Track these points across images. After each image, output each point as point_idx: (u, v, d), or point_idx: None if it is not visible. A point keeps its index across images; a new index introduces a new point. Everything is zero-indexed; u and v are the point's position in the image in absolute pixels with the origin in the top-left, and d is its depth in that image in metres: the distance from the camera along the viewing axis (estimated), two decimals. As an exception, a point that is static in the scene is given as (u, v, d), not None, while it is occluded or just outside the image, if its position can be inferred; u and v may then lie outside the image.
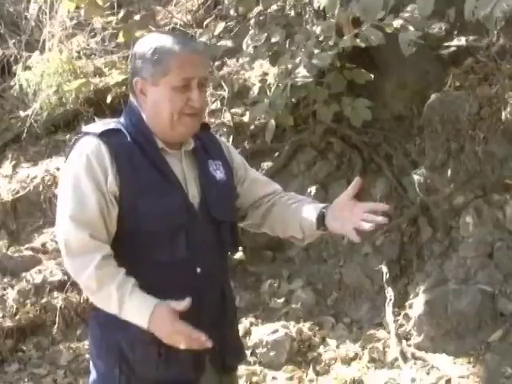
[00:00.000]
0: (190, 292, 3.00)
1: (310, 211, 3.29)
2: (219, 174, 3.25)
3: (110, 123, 3.14)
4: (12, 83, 7.65)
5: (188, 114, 3.09)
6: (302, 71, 6.01)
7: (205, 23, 7.06)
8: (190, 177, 3.17)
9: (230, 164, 3.38)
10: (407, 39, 5.69)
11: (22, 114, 7.46)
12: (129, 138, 3.08)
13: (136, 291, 2.97)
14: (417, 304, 6.02)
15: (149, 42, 3.11)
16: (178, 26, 7.27)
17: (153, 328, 2.96)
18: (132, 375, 3.11)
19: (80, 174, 2.99)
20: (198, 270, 3.08)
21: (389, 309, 6.11)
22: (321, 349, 6.10)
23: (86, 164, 2.98)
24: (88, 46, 7.51)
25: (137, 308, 2.97)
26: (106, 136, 3.03)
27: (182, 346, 2.97)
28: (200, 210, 3.15)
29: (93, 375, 3.22)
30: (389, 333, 6.03)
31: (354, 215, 3.10)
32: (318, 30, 6.00)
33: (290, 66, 6.12)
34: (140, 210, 3.01)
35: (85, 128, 3.16)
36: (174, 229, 3.04)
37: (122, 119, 3.18)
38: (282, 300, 6.51)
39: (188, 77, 3.06)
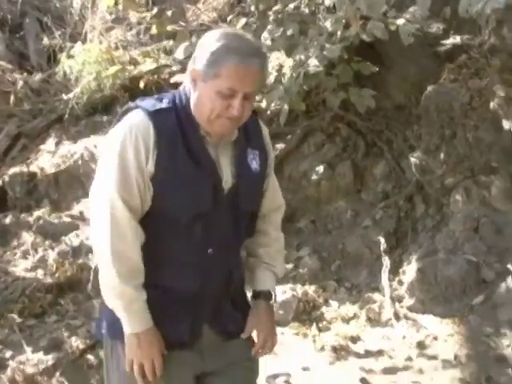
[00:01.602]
0: (199, 268, 2.94)
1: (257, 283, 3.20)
2: (254, 165, 3.04)
3: (163, 100, 2.92)
4: (57, 70, 7.64)
5: (226, 117, 2.85)
6: (313, 62, 6.06)
7: (228, 18, 7.09)
8: (225, 165, 2.96)
9: (267, 157, 3.14)
10: (407, 31, 5.81)
11: (64, 97, 7.47)
12: (176, 120, 2.89)
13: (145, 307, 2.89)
14: (409, 271, 6.16)
15: (214, 39, 2.82)
16: (206, 22, 7.34)
17: (135, 338, 2.88)
18: None
19: (127, 146, 2.81)
20: (210, 250, 2.94)
21: (385, 275, 6.23)
22: (323, 309, 6.18)
23: (134, 140, 2.81)
24: (124, 38, 7.53)
25: (140, 313, 2.89)
26: (156, 116, 2.85)
27: (135, 370, 2.91)
28: (227, 198, 2.97)
29: (100, 319, 3.11)
30: (384, 296, 6.13)
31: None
32: (328, 24, 6.07)
33: (303, 57, 6.17)
34: (169, 196, 2.86)
35: (139, 101, 2.94)
36: (197, 216, 2.89)
37: (175, 96, 2.94)
38: (290, 265, 6.55)
39: (234, 89, 2.80)
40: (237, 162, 2.99)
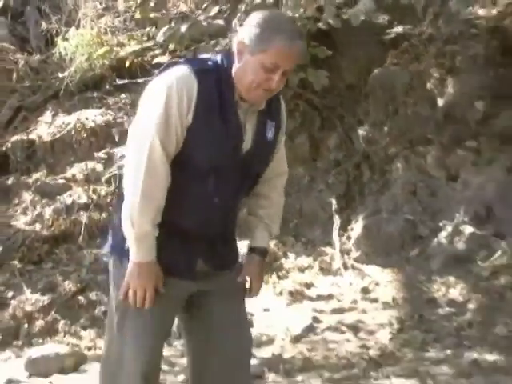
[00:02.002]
0: (203, 213, 2.93)
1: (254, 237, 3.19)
2: (270, 135, 2.98)
3: (208, 62, 2.89)
4: (53, 52, 7.58)
5: (264, 88, 2.82)
6: None
7: (203, 6, 7.03)
8: (249, 130, 2.93)
9: (281, 130, 3.07)
10: (356, 16, 5.81)
11: (60, 75, 7.41)
12: (217, 81, 2.85)
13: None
14: (356, 228, 6.20)
15: (265, 19, 2.84)
16: (184, 11, 7.21)
17: (137, 267, 2.86)
18: None
19: (172, 96, 2.78)
20: (216, 200, 2.91)
21: (335, 232, 6.23)
22: (283, 260, 6.21)
23: (180, 91, 2.78)
24: (113, 24, 7.43)
25: (148, 247, 2.86)
26: (201, 74, 2.81)
27: (129, 295, 2.89)
28: (243, 159, 2.94)
29: (108, 242, 3.06)
30: (334, 249, 6.15)
31: None
32: (289, 11, 5.94)
33: None
34: (197, 146, 2.84)
35: (189, 59, 2.98)
36: (214, 168, 2.87)
37: (219, 59, 2.90)
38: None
39: (278, 65, 2.78)
40: (258, 130, 2.95)
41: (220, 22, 6.79)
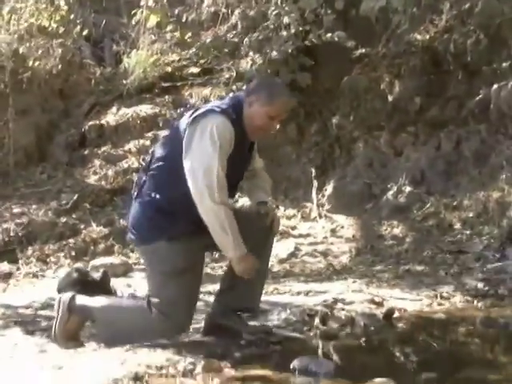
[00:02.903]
0: None
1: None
2: (251, 153, 3.12)
3: (230, 109, 2.91)
4: (120, 66, 7.63)
5: (265, 130, 2.97)
6: (274, 54, 6.09)
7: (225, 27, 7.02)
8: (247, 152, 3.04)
9: (255, 144, 3.14)
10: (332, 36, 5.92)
11: (124, 82, 7.39)
12: (239, 126, 2.90)
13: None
14: (329, 189, 6.13)
15: (273, 86, 3.01)
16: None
17: (241, 261, 2.83)
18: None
19: (225, 137, 2.83)
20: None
21: (313, 191, 6.15)
22: (275, 211, 6.21)
23: (226, 134, 2.83)
24: (162, 47, 7.33)
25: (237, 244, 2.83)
26: (232, 122, 2.87)
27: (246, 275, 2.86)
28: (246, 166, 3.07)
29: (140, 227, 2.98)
30: (313, 204, 6.10)
31: None
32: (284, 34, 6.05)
33: (268, 51, 6.16)
34: (230, 167, 2.85)
35: (220, 109, 2.89)
36: (231, 178, 2.88)
37: (230, 108, 2.92)
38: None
39: (279, 115, 2.93)
40: (251, 151, 3.08)
41: (235, 39, 6.77)
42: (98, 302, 2.99)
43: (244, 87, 6.61)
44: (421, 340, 3.14)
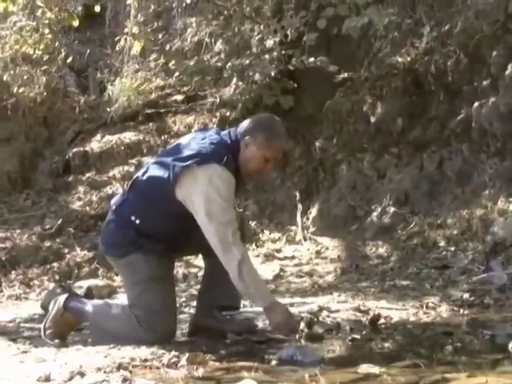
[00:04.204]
0: None
1: None
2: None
3: (225, 156, 2.91)
4: (104, 94, 7.74)
5: (261, 171, 3.02)
6: (257, 76, 6.18)
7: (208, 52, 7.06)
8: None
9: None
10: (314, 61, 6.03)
11: (108, 110, 7.49)
12: (235, 171, 2.94)
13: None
14: (313, 211, 6.20)
15: (269, 124, 3.00)
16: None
17: (270, 310, 2.83)
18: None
19: (230, 185, 2.89)
20: None
21: (298, 214, 6.21)
22: (260, 235, 6.19)
23: (231, 183, 2.89)
24: (145, 75, 7.48)
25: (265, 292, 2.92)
26: (230, 170, 2.90)
27: (283, 335, 2.85)
28: None
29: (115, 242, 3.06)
30: (297, 227, 6.15)
31: None
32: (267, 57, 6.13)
33: (251, 74, 6.24)
34: None
35: (219, 157, 2.90)
36: None
37: (227, 152, 2.93)
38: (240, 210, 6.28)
39: (275, 157, 2.98)
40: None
41: (218, 64, 6.82)
42: (90, 306, 3.06)
43: (227, 114, 6.83)
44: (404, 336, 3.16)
